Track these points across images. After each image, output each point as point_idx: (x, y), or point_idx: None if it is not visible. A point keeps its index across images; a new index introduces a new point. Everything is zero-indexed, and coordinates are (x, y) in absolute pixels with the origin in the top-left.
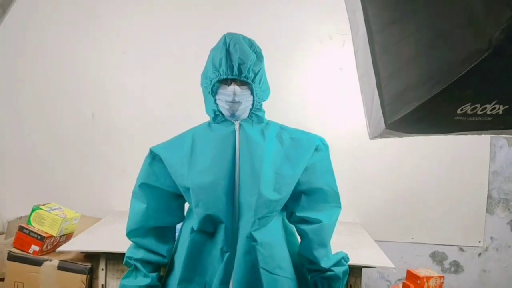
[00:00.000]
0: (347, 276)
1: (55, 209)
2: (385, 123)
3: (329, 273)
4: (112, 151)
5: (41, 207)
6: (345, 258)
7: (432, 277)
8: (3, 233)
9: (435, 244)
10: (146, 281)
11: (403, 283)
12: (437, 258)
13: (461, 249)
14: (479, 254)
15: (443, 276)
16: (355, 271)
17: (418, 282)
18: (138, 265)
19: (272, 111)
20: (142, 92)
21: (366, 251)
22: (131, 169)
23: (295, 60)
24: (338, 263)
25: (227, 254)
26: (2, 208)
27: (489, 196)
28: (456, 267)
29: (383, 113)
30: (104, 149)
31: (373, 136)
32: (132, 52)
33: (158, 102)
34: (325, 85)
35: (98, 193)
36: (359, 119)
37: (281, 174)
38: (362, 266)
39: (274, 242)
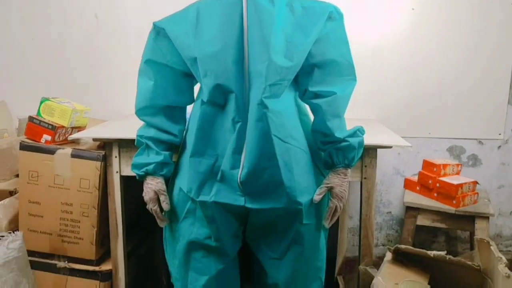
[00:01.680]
0: (362, 148)
1: (64, 102)
2: None
3: (343, 143)
4: (118, 53)
5: (50, 99)
6: (361, 130)
7: (449, 164)
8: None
9: (453, 138)
10: (159, 158)
11: (419, 172)
12: (455, 152)
13: (480, 142)
14: (499, 147)
15: (461, 164)
16: (371, 152)
17: (435, 169)
18: (150, 143)
19: None
20: None
21: (382, 136)
22: (136, 72)
23: None
24: (353, 134)
25: (239, 124)
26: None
27: (511, 86)
28: (474, 160)
29: None
30: (109, 52)
31: None
32: None
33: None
34: None
35: (103, 97)
36: (376, 13)
37: (292, 41)
38: (378, 146)
39: (286, 112)
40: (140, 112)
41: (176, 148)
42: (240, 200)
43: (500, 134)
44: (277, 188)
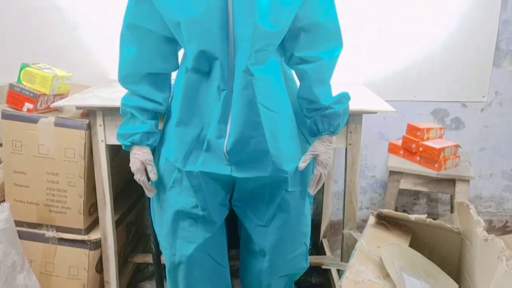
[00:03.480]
0: (347, 114)
1: (44, 68)
2: None
3: (329, 110)
4: (102, 15)
5: (30, 65)
6: (346, 96)
7: (432, 128)
8: None
9: (438, 101)
10: (144, 127)
11: (403, 136)
12: (439, 115)
13: (464, 105)
14: (482, 109)
15: (444, 128)
16: (356, 117)
17: (418, 134)
18: (135, 112)
19: None
20: None
21: (367, 100)
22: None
23: None
24: (338, 101)
25: (224, 92)
26: None
27: (497, 48)
28: (457, 123)
29: None
30: (92, 15)
31: None
32: None
33: None
34: None
35: (87, 62)
36: None
37: (278, 4)
38: (363, 112)
39: (272, 79)
40: (124, 80)
41: (162, 116)
42: (226, 169)
43: (483, 97)
44: (263, 156)
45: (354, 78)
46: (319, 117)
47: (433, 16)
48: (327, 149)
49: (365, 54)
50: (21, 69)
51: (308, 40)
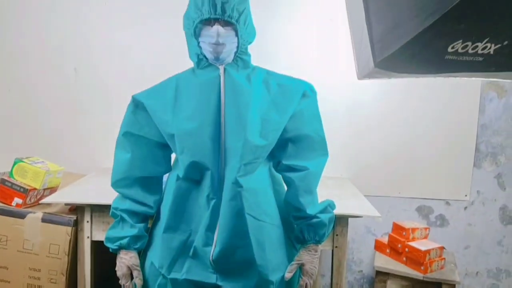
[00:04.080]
0: (333, 223)
1: (38, 163)
2: (374, 61)
3: (315, 220)
4: (97, 107)
5: (23, 160)
6: (332, 205)
7: (418, 228)
8: None
9: (422, 198)
10: (133, 231)
11: (389, 235)
12: (423, 212)
13: (447, 203)
14: (465, 208)
15: (429, 228)
16: (342, 221)
17: (404, 233)
18: (125, 215)
19: (258, 59)
20: (128, 46)
21: (353, 202)
22: (116, 125)
23: (283, 8)
24: (324, 210)
25: (213, 201)
26: None
27: (477, 150)
28: (442, 220)
29: (372, 51)
30: (88, 105)
31: (361, 76)
32: (116, 4)
33: (144, 57)
34: (314, 35)
35: (82, 150)
36: (348, 72)
37: (267, 120)
38: (349, 216)
39: (260, 189)
40: (116, 184)
41: (151, 218)
42: (211, 278)
43: (466, 196)
44: (249, 266)
45: (339, 172)
46: (305, 226)
47: (415, 117)
48: (312, 258)
49: (350, 149)
50: (14, 164)
51: (295, 150)
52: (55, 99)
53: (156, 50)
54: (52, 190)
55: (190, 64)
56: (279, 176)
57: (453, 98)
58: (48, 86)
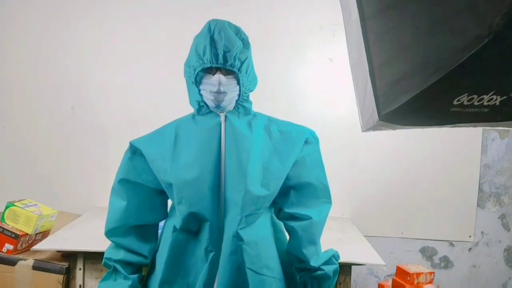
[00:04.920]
0: (337, 275)
1: (30, 206)
2: (379, 114)
3: (319, 272)
4: (93, 145)
5: (15, 203)
6: (336, 256)
7: (422, 273)
8: None
9: (425, 239)
10: (127, 283)
11: (393, 279)
12: (427, 253)
13: (451, 244)
14: (470, 249)
15: (433, 272)
16: (345, 268)
17: (408, 278)
18: (118, 266)
19: (259, 103)
20: (126, 85)
21: (355, 247)
22: (112, 164)
23: (284, 50)
24: (328, 262)
25: (212, 253)
26: None
27: (480, 190)
28: (446, 262)
29: (377, 104)
30: (84, 143)
31: (366, 129)
32: (114, 43)
33: (141, 96)
34: (315, 77)
35: (78, 189)
36: (349, 113)
37: (269, 169)
38: (352, 264)
39: (261, 241)
40: (110, 233)
41: (145, 266)
42: None
43: (470, 237)
44: None
45: (341, 212)
46: (309, 278)
47: (417, 157)
48: None
49: (352, 189)
50: (6, 208)
51: (297, 198)
52: (51, 137)
53: (154, 89)
54: (44, 234)
55: (187, 103)
56: (280, 223)
57: (455, 138)
58: (44, 124)
